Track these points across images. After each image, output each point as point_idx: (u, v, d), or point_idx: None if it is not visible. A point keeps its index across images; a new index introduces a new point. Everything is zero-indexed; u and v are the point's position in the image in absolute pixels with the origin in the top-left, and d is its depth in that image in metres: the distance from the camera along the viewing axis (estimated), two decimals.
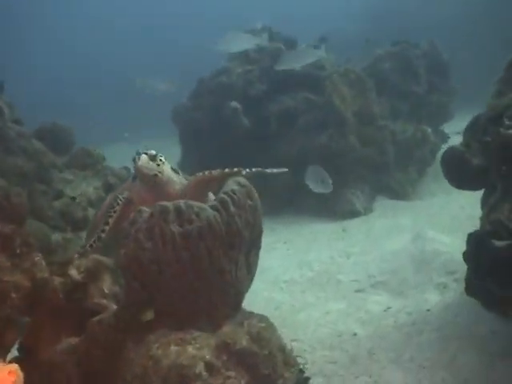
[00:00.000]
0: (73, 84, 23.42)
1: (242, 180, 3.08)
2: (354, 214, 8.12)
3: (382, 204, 8.53)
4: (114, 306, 3.07)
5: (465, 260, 3.91)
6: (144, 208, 2.79)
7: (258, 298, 5.23)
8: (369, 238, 6.79)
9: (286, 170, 3.82)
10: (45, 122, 8.21)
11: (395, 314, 4.68)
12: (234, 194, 2.91)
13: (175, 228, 2.71)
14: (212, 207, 2.80)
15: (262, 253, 3.28)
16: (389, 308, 4.89)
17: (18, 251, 2.87)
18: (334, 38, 11.56)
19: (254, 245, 3.16)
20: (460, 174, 4.04)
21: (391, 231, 6.82)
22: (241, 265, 2.97)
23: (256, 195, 3.14)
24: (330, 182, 6.58)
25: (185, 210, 2.74)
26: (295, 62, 8.43)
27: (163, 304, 2.78)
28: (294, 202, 8.77)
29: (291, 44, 10.13)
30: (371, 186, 8.75)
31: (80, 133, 8.33)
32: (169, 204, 2.75)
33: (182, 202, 2.76)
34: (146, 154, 3.31)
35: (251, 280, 3.19)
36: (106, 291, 3.10)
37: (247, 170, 3.51)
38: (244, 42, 8.39)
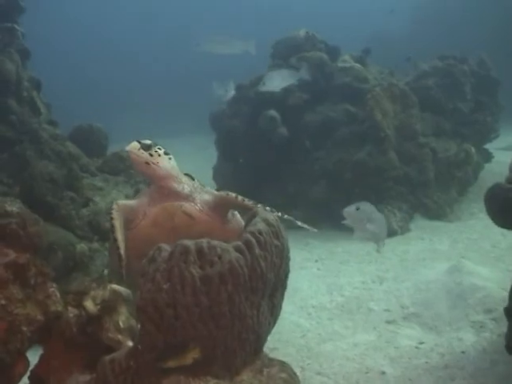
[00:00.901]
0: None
1: (271, 218, 2.90)
2: (389, 232, 7.85)
3: (419, 224, 8.27)
4: (129, 343, 2.93)
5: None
6: (164, 246, 2.64)
7: (285, 323, 5.07)
8: (403, 262, 6.57)
9: (315, 230, 3.64)
10: (81, 124, 8.19)
11: (427, 354, 4.45)
12: (261, 234, 2.74)
13: (195, 270, 2.55)
14: (236, 248, 2.63)
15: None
16: (421, 343, 4.66)
17: (31, 282, 2.75)
18: (378, 43, 11.33)
19: (280, 286, 2.99)
20: (504, 214, 3.80)
21: (427, 257, 6.59)
22: (263, 309, 2.81)
23: (284, 234, 2.96)
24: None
25: (207, 252, 2.58)
26: (276, 85, 8.27)
27: None
28: (330, 215, 8.56)
29: (334, 53, 9.93)
30: (409, 205, 8.50)
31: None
32: (190, 244, 2.59)
33: (204, 243, 2.60)
34: (138, 141, 3.22)
35: (274, 322, 3.02)
36: (122, 325, 2.97)
37: (279, 214, 3.32)
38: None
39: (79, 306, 2.95)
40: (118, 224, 3.34)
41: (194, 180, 3.52)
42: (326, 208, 8.58)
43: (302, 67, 8.50)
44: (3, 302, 2.65)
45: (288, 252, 3.01)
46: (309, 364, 4.49)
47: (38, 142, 6.70)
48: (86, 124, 8.17)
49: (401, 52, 11.74)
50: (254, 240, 2.69)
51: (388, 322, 5.12)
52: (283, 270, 2.96)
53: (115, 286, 3.08)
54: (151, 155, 3.23)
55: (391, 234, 7.83)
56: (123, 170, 7.17)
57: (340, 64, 9.53)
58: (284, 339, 4.86)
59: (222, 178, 10.48)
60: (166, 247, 2.64)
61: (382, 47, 11.56)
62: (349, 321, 5.23)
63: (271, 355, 4.64)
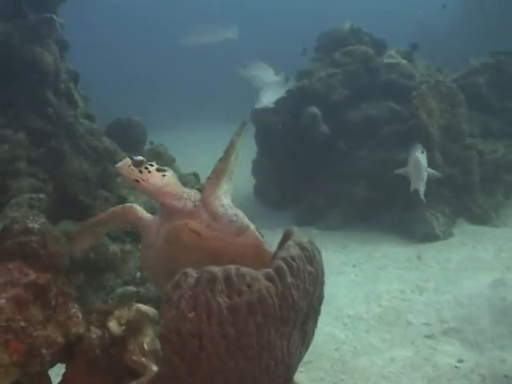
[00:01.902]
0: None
1: (305, 242, 2.71)
2: (431, 237, 7.63)
3: (463, 229, 7.99)
4: (154, 367, 2.80)
5: None
6: (190, 271, 2.49)
7: (319, 333, 4.86)
8: (445, 272, 6.32)
9: None
10: (119, 117, 8.10)
11: (467, 375, 4.24)
12: (293, 260, 2.56)
13: (223, 300, 2.39)
14: (266, 276, 2.46)
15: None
16: (460, 362, 4.45)
17: (52, 303, 2.62)
18: (425, 38, 10.99)
19: (313, 313, 2.81)
20: None
21: (470, 266, 6.34)
22: (294, 339, 2.64)
23: (319, 258, 2.77)
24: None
25: (235, 280, 2.42)
26: (269, 99, 8.09)
27: (203, 383, 2.47)
28: (369, 217, 8.36)
29: (380, 47, 9.65)
30: (452, 209, 8.22)
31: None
32: (218, 271, 2.43)
33: (233, 270, 2.44)
34: (130, 157, 3.08)
35: (306, 349, 2.85)
36: (147, 348, 2.84)
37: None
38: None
39: (103, 326, 2.83)
40: (107, 216, 3.32)
41: (201, 192, 3.28)
42: (365, 208, 8.39)
43: (290, 79, 8.42)
44: (23, 323, 2.54)
45: (323, 276, 2.83)
46: (343, 380, 4.33)
47: (74, 137, 6.61)
48: (125, 118, 8.09)
49: (449, 48, 11.37)
50: (285, 267, 2.52)
51: (427, 337, 4.93)
52: (317, 297, 2.78)
53: (141, 306, 2.95)
54: (141, 172, 3.06)
55: (433, 239, 7.58)
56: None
57: (386, 60, 9.25)
58: (318, 352, 4.69)
59: (260, 174, 10.32)
60: (193, 273, 2.48)
61: (429, 42, 11.12)
62: (386, 333, 5.05)
63: (304, 368, 4.52)
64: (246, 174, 10.85)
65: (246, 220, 3.15)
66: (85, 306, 4.94)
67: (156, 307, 4.37)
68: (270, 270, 2.51)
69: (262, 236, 3.12)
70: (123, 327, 2.84)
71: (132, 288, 5.26)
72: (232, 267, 2.47)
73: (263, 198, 10.16)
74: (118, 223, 3.44)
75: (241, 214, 3.21)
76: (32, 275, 2.58)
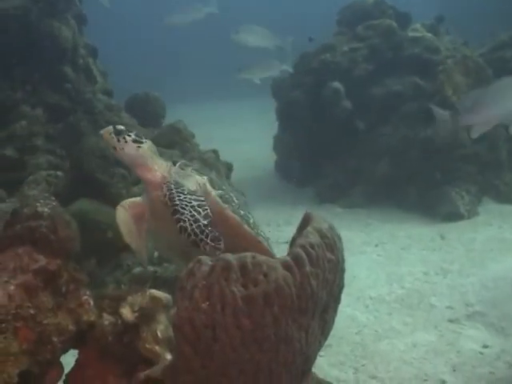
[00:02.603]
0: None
1: (325, 227, 2.59)
2: (456, 217, 7.45)
3: (488, 208, 7.80)
4: (167, 355, 2.71)
5: None
6: (205, 259, 2.38)
7: (340, 316, 4.73)
8: (469, 253, 6.16)
9: None
10: (137, 92, 8.00)
11: (492, 362, 4.10)
12: (313, 248, 2.43)
13: (238, 289, 2.29)
14: (284, 265, 2.35)
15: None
16: (485, 347, 4.32)
17: (63, 289, 2.54)
18: (452, 13, 10.71)
19: (333, 301, 2.70)
20: None
21: (495, 247, 6.19)
22: (313, 329, 2.53)
23: (340, 245, 2.64)
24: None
25: (251, 269, 2.30)
26: (257, 73, 7.93)
27: (217, 375, 2.38)
28: (393, 195, 8.21)
29: (404, 21, 9.39)
30: (478, 187, 8.01)
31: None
32: (233, 259, 2.32)
33: (249, 258, 2.32)
34: (113, 126, 3.20)
35: (325, 339, 2.75)
36: (160, 336, 2.75)
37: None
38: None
39: (115, 312, 2.74)
40: (120, 221, 3.42)
41: (175, 165, 3.29)
42: (388, 186, 8.25)
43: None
44: (32, 311, 2.46)
45: (343, 263, 2.71)
46: (363, 365, 4.22)
47: (92, 113, 6.55)
48: (143, 92, 8.00)
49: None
50: (304, 255, 2.40)
51: (450, 321, 4.79)
52: (337, 285, 2.66)
53: (155, 292, 2.85)
54: (119, 141, 3.19)
55: (457, 218, 7.41)
56: (178, 142, 6.94)
57: (410, 33, 9.02)
58: (339, 335, 4.59)
59: (281, 149, 10.21)
60: (207, 260, 2.37)
61: (455, 15, 10.80)
62: (408, 317, 4.92)
63: (324, 352, 4.41)
64: (267, 150, 10.74)
65: (207, 188, 3.20)
66: (100, 286, 4.92)
67: (173, 289, 4.30)
68: (287, 259, 2.39)
69: (232, 202, 3.20)
70: (136, 314, 2.75)
71: (149, 268, 5.22)
72: (248, 255, 2.36)
73: (284, 174, 10.07)
74: (135, 223, 3.42)
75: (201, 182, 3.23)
76: (42, 261, 2.50)
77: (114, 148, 3.21)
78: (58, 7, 7.15)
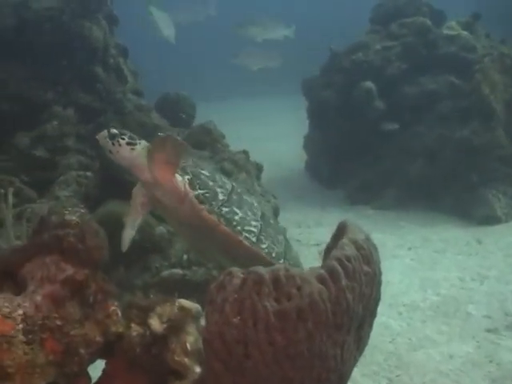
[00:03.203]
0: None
1: (361, 238, 2.48)
2: (492, 220, 7.25)
3: None
4: (197, 368, 2.63)
5: None
6: (236, 271, 2.29)
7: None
8: (508, 258, 5.98)
9: None
10: (168, 92, 7.96)
11: None
12: (349, 261, 2.33)
13: (270, 304, 2.19)
14: (318, 279, 2.25)
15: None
16: None
17: (90, 300, 2.47)
18: (490, 11, 10.48)
19: (369, 316, 2.59)
20: None
21: None
22: (349, 345, 2.43)
23: (376, 257, 2.53)
24: None
25: (284, 282, 2.21)
26: (252, 61, 7.78)
27: None
28: (427, 197, 8.03)
29: (439, 18, 9.20)
30: None
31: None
32: (266, 272, 2.23)
33: (282, 271, 2.23)
34: (108, 130, 3.36)
35: (360, 354, 2.64)
36: (189, 348, 2.66)
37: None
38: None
39: (144, 323, 2.66)
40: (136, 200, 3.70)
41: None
42: (421, 187, 8.07)
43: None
44: (59, 322, 2.39)
45: (380, 276, 2.60)
46: (398, 376, 4.09)
47: (122, 113, 6.50)
48: (173, 92, 7.95)
49: None
50: (340, 269, 2.29)
51: (488, 331, 4.64)
52: (373, 299, 2.55)
53: (184, 302, 2.77)
54: (113, 144, 3.34)
55: (494, 221, 7.22)
56: (209, 143, 6.87)
57: (445, 31, 8.83)
58: (371, 343, 4.39)
59: (312, 149, 10.10)
60: (238, 273, 2.28)
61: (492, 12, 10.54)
62: (444, 325, 4.78)
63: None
64: (297, 149, 10.62)
65: (186, 189, 3.26)
66: (129, 290, 4.86)
67: (205, 291, 4.21)
68: (322, 272, 2.29)
69: (213, 200, 3.24)
70: (165, 325, 2.66)
71: (178, 271, 5.15)
72: (281, 268, 2.27)
73: (315, 174, 9.97)
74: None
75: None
76: (69, 271, 2.43)
77: (110, 151, 3.36)
78: (89, 8, 7.12)
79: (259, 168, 7.09)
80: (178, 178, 3.28)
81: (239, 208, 3.30)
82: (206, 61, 22.70)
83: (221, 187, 3.32)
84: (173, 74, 17.97)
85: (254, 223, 3.30)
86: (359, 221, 7.15)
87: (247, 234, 3.22)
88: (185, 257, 5.17)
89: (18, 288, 2.51)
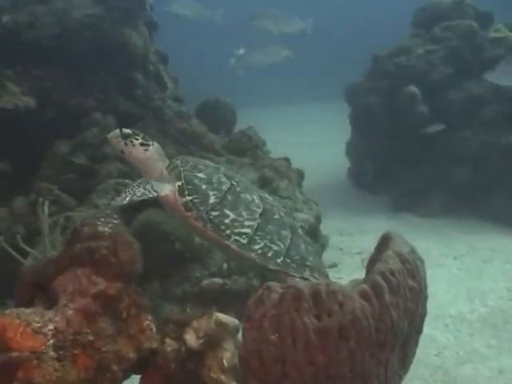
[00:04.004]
0: None
1: (406, 251, 2.35)
2: None
3: None
4: None
5: None
6: (274, 286, 2.18)
7: None
8: None
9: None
10: (208, 98, 7.91)
11: None
12: (393, 275, 2.20)
13: (310, 321, 2.08)
14: (361, 294, 2.13)
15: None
16: None
17: (123, 315, 2.39)
18: None
19: (414, 332, 2.46)
20: None
21: None
22: (393, 364, 2.30)
23: (422, 270, 2.40)
24: None
25: (325, 298, 2.10)
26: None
27: None
28: (473, 204, 7.80)
29: (486, 21, 8.95)
30: None
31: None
32: (305, 287, 2.12)
33: (322, 286, 2.12)
34: (120, 130, 3.42)
35: (405, 372, 2.51)
36: (226, 364, 2.56)
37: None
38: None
39: (179, 338, 2.57)
40: None
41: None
42: (467, 194, 7.86)
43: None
44: (91, 337, 2.32)
45: (426, 290, 2.46)
46: None
47: (162, 120, 6.46)
48: (213, 98, 7.90)
49: None
50: (384, 283, 2.17)
51: None
52: (419, 315, 2.42)
53: (222, 316, 2.67)
54: (126, 144, 3.38)
55: None
56: (249, 149, 6.79)
57: (492, 34, 8.58)
58: (416, 357, 4.28)
59: (355, 155, 9.95)
60: (277, 288, 2.18)
61: None
62: (493, 338, 4.58)
63: None
64: (339, 155, 10.48)
65: (176, 196, 3.28)
66: (168, 300, 4.79)
67: (246, 301, 4.10)
68: (365, 287, 2.17)
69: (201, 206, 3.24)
70: (201, 340, 2.57)
71: (218, 280, 5.07)
72: (321, 283, 2.16)
73: (357, 181, 9.83)
74: None
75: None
76: (101, 284, 2.37)
77: (122, 152, 3.41)
78: (129, 15, 7.11)
79: (301, 175, 6.99)
80: (168, 187, 3.31)
81: (232, 209, 3.27)
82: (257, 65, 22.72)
83: (215, 189, 3.30)
84: (214, 80, 17.97)
85: (248, 223, 3.25)
86: (403, 228, 6.99)
87: (237, 237, 3.18)
88: (225, 266, 5.09)
89: (50, 301, 2.45)
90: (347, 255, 6.65)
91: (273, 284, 2.21)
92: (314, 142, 13.66)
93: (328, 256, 6.34)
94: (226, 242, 3.17)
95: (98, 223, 2.45)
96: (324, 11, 26.21)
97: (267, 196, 3.63)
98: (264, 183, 6.04)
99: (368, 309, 2.11)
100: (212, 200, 3.25)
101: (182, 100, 7.62)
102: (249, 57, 9.02)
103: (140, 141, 3.41)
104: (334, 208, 8.27)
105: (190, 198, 3.24)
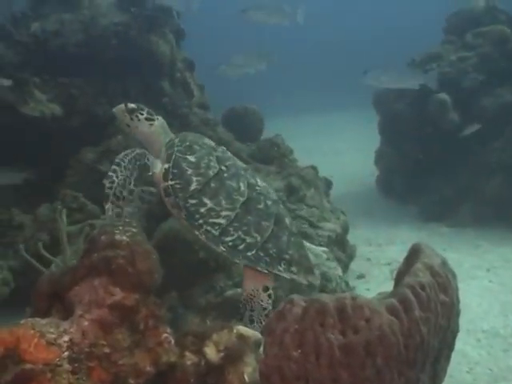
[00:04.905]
0: None
1: (437, 263, 2.23)
2: None
3: None
4: None
5: None
6: (297, 299, 2.08)
7: None
8: None
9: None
10: (234, 106, 7.85)
11: None
12: (423, 289, 2.09)
13: (335, 337, 1.97)
14: (389, 309, 2.01)
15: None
16: None
17: (141, 326, 2.30)
18: None
19: (446, 349, 2.33)
20: None
21: None
22: (423, 383, 2.17)
23: (454, 284, 2.28)
24: None
25: (350, 313, 1.99)
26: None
27: None
28: (506, 215, 7.59)
29: None
30: None
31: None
32: (330, 301, 2.01)
33: (348, 300, 2.01)
34: (125, 104, 3.48)
35: None
36: (247, 379, 2.46)
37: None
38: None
39: (199, 351, 2.47)
40: None
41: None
42: (501, 205, 7.65)
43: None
44: (107, 350, 2.24)
45: (458, 305, 2.34)
46: None
47: (188, 128, 6.38)
48: (240, 106, 7.81)
49: None
50: (413, 297, 2.06)
51: None
52: (451, 331, 2.30)
53: (243, 329, 2.57)
54: (132, 119, 3.46)
55: None
56: (276, 157, 6.69)
57: None
58: (447, 373, 4.14)
59: (384, 164, 9.79)
60: (300, 301, 2.07)
61: None
62: None
63: None
64: (367, 164, 10.34)
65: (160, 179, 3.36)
66: (191, 309, 4.71)
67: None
68: (393, 301, 2.05)
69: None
70: (221, 354, 2.47)
71: (242, 291, 4.97)
72: (347, 296, 2.05)
73: (386, 190, 9.68)
74: None
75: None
76: (118, 295, 2.28)
77: (128, 125, 3.50)
78: (156, 22, 7.08)
79: (328, 184, 6.88)
80: (159, 166, 3.37)
81: (212, 198, 3.23)
82: (276, 75, 22.67)
83: (200, 175, 3.27)
84: (242, 87, 17.92)
85: (224, 213, 3.21)
86: (432, 238, 6.82)
87: (209, 227, 3.16)
88: None
89: (67, 312, 2.38)
90: (375, 266, 6.50)
91: (296, 297, 2.11)
92: (341, 150, 13.54)
93: (355, 267, 6.21)
94: (196, 233, 3.16)
95: (116, 231, 2.38)
96: (349, 23, 26.23)
97: (259, 182, 3.53)
98: (291, 192, 5.94)
99: (396, 324, 2.00)
100: (193, 187, 3.24)
101: (209, 107, 7.57)
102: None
103: (145, 115, 3.50)
104: (361, 217, 8.13)
105: (172, 182, 3.25)
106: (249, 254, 3.16)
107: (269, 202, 3.39)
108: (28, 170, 6.01)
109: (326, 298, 2.04)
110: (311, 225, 5.76)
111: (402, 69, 8.49)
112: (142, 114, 3.50)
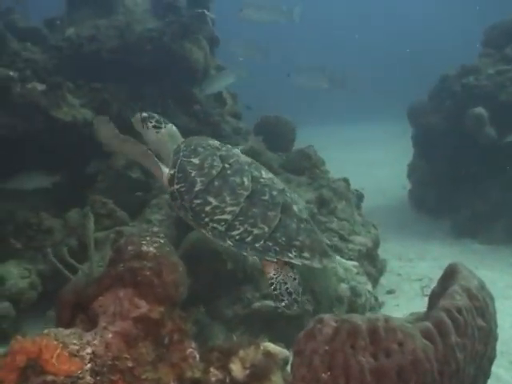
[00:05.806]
0: None
1: (475, 286, 2.14)
2: None
3: None
4: None
5: None
6: (328, 319, 2.00)
7: None
8: None
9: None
10: (268, 115, 7.78)
11: None
12: (460, 313, 1.99)
13: (366, 360, 1.89)
14: (424, 332, 1.92)
15: None
16: None
17: (166, 340, 2.24)
18: None
19: (482, 375, 2.23)
20: None
21: None
22: None
23: (492, 308, 2.18)
24: None
25: (383, 336, 1.90)
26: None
27: None
28: None
29: None
30: None
31: None
32: (362, 322, 1.93)
33: (381, 322, 1.92)
34: (140, 113, 3.64)
35: None
36: None
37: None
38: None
39: (224, 367, 2.40)
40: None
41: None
42: None
43: None
44: (130, 363, 2.18)
45: (496, 330, 2.23)
46: None
47: (219, 136, 6.35)
48: (273, 116, 7.74)
49: None
50: (449, 322, 1.97)
51: None
52: (488, 358, 2.20)
53: (270, 346, 2.50)
54: (142, 127, 3.60)
55: None
56: (308, 168, 6.61)
57: None
58: None
59: (416, 178, 9.63)
60: (331, 321, 2.00)
61: None
62: None
63: None
64: (400, 177, 10.20)
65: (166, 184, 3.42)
66: (219, 320, 4.64)
67: (299, 326, 3.92)
68: (428, 325, 1.96)
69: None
70: (247, 371, 2.40)
71: (270, 303, 4.89)
72: (380, 318, 1.96)
73: (419, 204, 9.51)
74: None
75: None
76: (144, 307, 2.23)
77: (141, 133, 3.62)
78: (190, 29, 7.07)
79: (360, 196, 6.78)
80: (166, 172, 3.40)
81: (216, 196, 3.24)
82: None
83: (203, 175, 3.30)
84: (275, 97, 17.89)
85: (229, 209, 3.20)
86: (464, 255, 6.63)
87: (215, 225, 3.15)
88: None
89: (91, 322, 2.33)
90: (406, 281, 6.37)
91: (326, 317, 2.03)
92: (373, 161, 13.39)
93: (385, 282, 6.09)
94: (203, 231, 3.15)
95: (143, 242, 2.33)
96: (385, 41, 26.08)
97: (263, 174, 3.47)
98: (322, 204, 5.86)
99: (431, 349, 1.90)
100: (197, 187, 3.26)
101: (240, 116, 7.52)
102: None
103: (153, 123, 3.60)
104: (392, 231, 8.00)
105: (177, 187, 3.29)
106: (256, 245, 3.12)
107: (274, 193, 3.35)
108: (58, 174, 6.02)
109: (357, 318, 1.96)
110: (341, 238, 5.67)
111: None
112: (151, 122, 3.62)
